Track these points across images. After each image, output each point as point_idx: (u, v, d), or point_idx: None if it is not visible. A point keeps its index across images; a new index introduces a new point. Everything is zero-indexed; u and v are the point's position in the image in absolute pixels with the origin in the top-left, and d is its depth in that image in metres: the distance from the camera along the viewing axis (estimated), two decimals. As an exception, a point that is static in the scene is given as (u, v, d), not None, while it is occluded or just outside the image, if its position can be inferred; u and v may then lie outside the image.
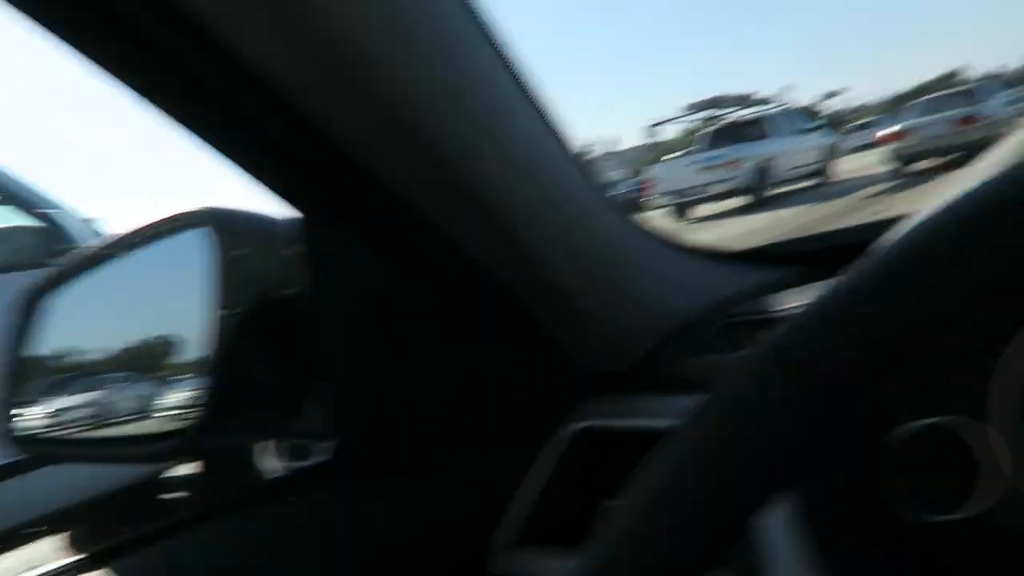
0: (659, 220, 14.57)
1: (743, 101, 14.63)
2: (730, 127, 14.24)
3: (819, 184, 14.99)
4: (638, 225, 0.83)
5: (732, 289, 0.88)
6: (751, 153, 12.96)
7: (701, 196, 13.02)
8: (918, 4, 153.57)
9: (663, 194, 13.42)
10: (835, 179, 15.11)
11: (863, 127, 31.91)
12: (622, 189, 25.50)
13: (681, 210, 13.74)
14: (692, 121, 15.26)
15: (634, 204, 24.13)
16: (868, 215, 5.95)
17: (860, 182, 13.06)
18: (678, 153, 16.46)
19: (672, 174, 13.24)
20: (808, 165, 14.62)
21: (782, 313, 0.76)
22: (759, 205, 12.94)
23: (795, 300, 0.78)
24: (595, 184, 0.75)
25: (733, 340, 0.77)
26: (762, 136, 13.62)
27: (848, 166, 16.32)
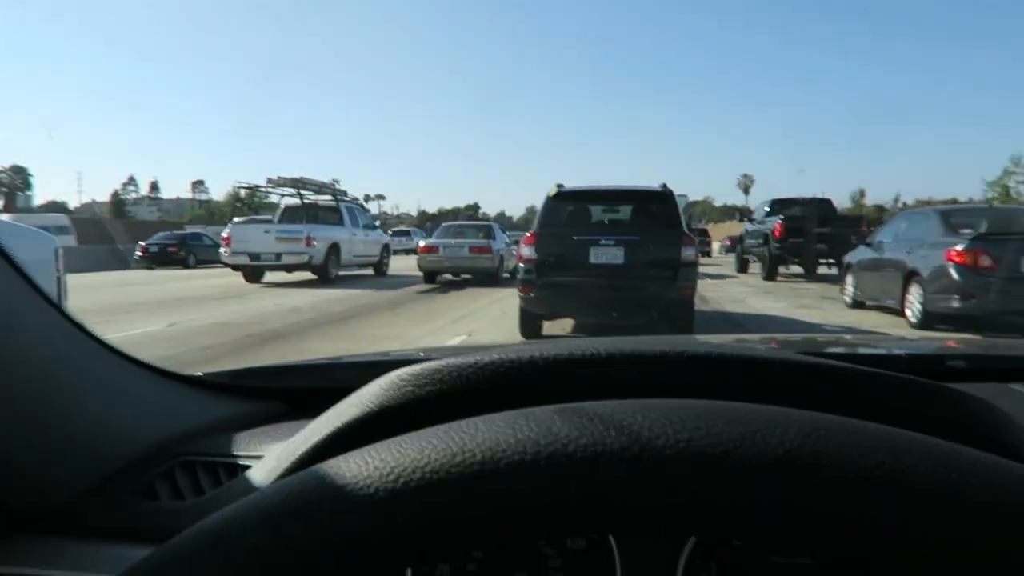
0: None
1: (323, 187, 16.20)
2: (309, 207, 15.50)
3: (378, 274, 17.36)
4: (91, 343, 0.75)
5: (194, 421, 0.83)
6: (325, 234, 14.34)
7: (274, 264, 13.88)
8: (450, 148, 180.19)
9: (236, 253, 13.91)
10: (389, 273, 17.50)
11: (401, 233, 36.48)
12: (167, 238, 25.17)
13: (253, 272, 14.28)
14: (269, 192, 16.12)
15: (169, 256, 23.63)
16: (366, 343, 7.50)
17: (407, 280, 15.38)
18: (261, 218, 17.27)
19: (250, 237, 13.85)
20: (370, 256, 16.70)
21: (239, 459, 0.74)
22: (324, 281, 14.30)
23: (253, 445, 0.76)
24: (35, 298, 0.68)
25: (183, 482, 0.72)
26: (337, 223, 15.22)
27: (396, 264, 18.98)
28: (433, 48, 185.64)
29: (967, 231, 8.68)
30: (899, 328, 8.71)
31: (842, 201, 76.59)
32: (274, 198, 17.89)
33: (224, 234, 14.24)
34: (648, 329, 7.41)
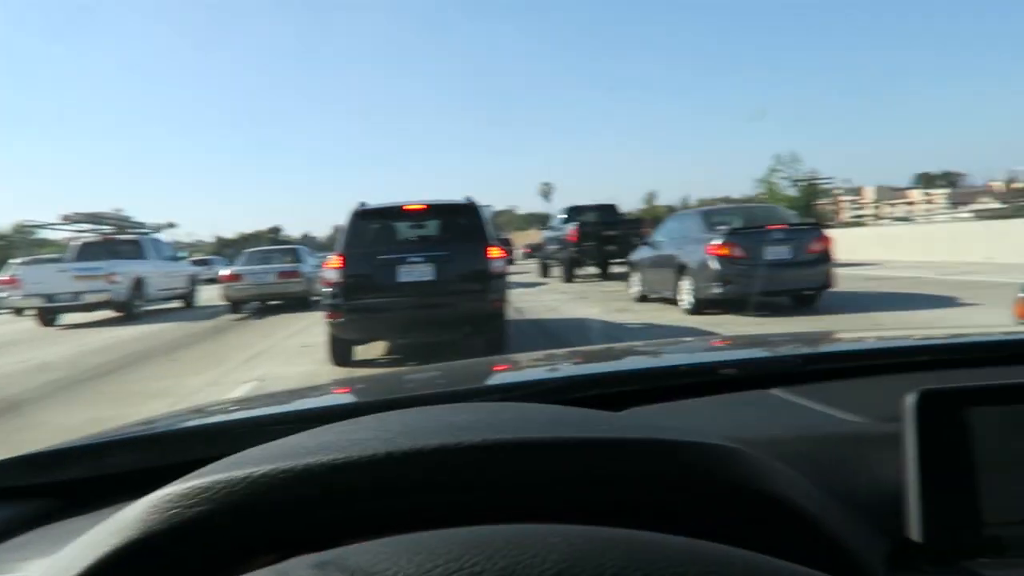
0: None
1: (121, 220, 15.51)
2: (107, 242, 14.81)
3: (187, 305, 16.95)
4: None
5: None
6: (127, 270, 13.77)
7: (73, 303, 13.11)
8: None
9: (29, 296, 12.98)
10: (196, 305, 17.02)
11: (199, 263, 35.19)
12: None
13: (49, 314, 13.40)
14: (63, 229, 15.17)
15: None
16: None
17: (212, 311, 15.13)
18: (48, 256, 16.11)
19: (43, 277, 13.02)
20: (177, 288, 16.20)
21: None
22: (129, 318, 13.72)
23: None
24: None
25: None
26: (137, 256, 14.62)
27: (204, 295, 18.43)
28: (216, 58, 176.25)
29: (723, 227, 10.23)
30: (674, 314, 10.05)
31: (635, 203, 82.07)
32: (49, 233, 16.65)
33: (6, 276, 13.29)
34: (462, 347, 7.36)
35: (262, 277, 14.32)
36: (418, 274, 6.95)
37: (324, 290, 7.11)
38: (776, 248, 9.76)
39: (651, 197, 71.08)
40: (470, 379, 1.43)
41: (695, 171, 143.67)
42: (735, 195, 67.24)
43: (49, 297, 12.98)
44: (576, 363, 1.55)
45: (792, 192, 50.40)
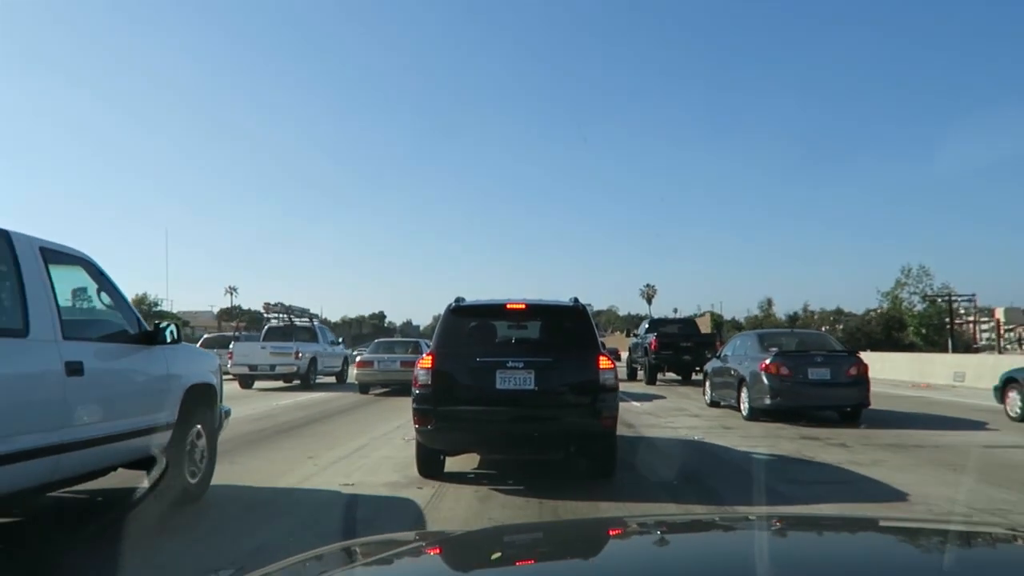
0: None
1: (303, 312, 19.96)
2: (291, 327, 19.14)
3: (339, 381, 21.01)
4: None
5: None
6: (308, 349, 17.89)
7: (268, 373, 17.27)
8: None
9: (237, 364, 17.27)
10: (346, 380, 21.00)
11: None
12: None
13: (248, 380, 17.61)
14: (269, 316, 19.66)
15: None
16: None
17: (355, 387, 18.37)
18: (248, 335, 20.96)
19: (249, 351, 17.32)
20: (335, 367, 20.23)
21: None
22: (306, 387, 17.69)
23: None
24: None
25: None
26: (313, 339, 18.79)
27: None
28: (327, 140, 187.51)
29: (774, 348, 12.79)
30: (736, 419, 12.50)
31: (751, 309, 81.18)
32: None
33: (228, 350, 17.77)
34: (565, 465, 7.10)
35: (389, 364, 17.00)
36: (518, 381, 6.30)
37: (413, 391, 6.54)
38: (818, 369, 12.18)
39: (767, 304, 70.82)
40: (580, 551, 1.37)
41: (815, 279, 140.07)
42: (858, 309, 65.98)
43: (252, 367, 17.24)
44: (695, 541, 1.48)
45: (920, 308, 49.30)
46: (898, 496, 6.19)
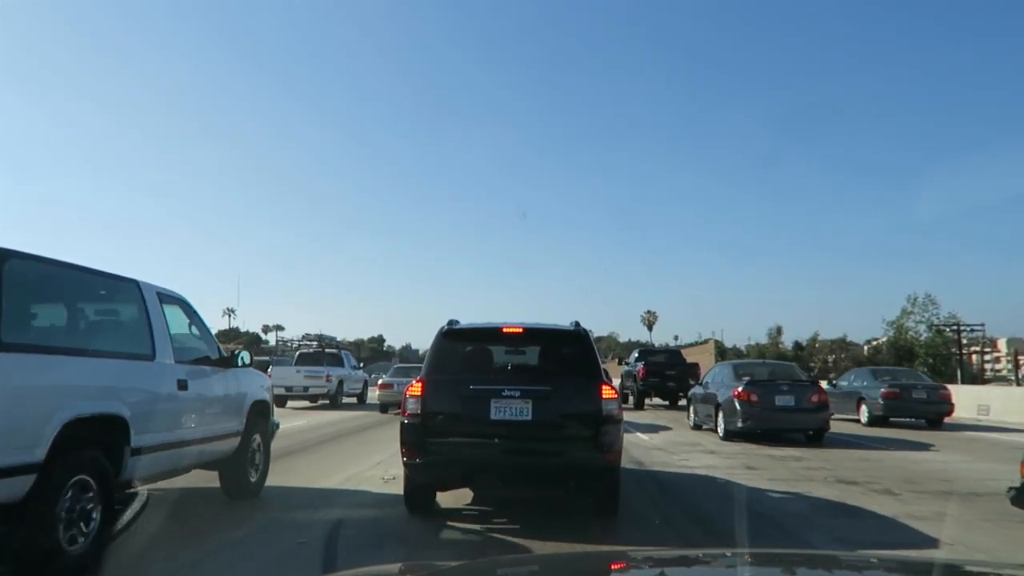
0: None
1: (331, 340, 22.41)
2: (320, 353, 21.42)
3: (360, 402, 23.26)
4: None
5: None
6: (336, 373, 20.18)
7: (302, 394, 19.51)
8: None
9: (275, 386, 19.40)
10: (366, 401, 23.05)
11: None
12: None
13: (283, 399, 19.77)
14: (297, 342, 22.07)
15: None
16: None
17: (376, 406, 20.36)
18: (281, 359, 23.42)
19: (286, 374, 19.59)
20: (357, 389, 22.53)
21: None
22: (335, 407, 19.88)
23: None
24: None
25: None
26: (340, 364, 21.08)
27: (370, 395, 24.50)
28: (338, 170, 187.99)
29: (746, 377, 14.74)
30: (713, 440, 14.33)
31: (759, 336, 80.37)
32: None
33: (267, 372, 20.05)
34: (563, 502, 6.80)
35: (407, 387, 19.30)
36: (514, 412, 5.93)
37: (402, 421, 6.20)
38: (784, 396, 14.12)
39: (776, 332, 70.27)
40: None
41: (826, 307, 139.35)
42: (863, 336, 65.03)
43: (288, 388, 19.48)
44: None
45: (926, 337, 48.47)
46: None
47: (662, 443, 13.51)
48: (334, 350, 22.60)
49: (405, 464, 6.13)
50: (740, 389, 14.16)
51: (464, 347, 6.70)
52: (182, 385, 5.92)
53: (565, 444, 6.09)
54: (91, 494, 4.63)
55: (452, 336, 6.63)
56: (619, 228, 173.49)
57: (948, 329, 50.21)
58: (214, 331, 7.62)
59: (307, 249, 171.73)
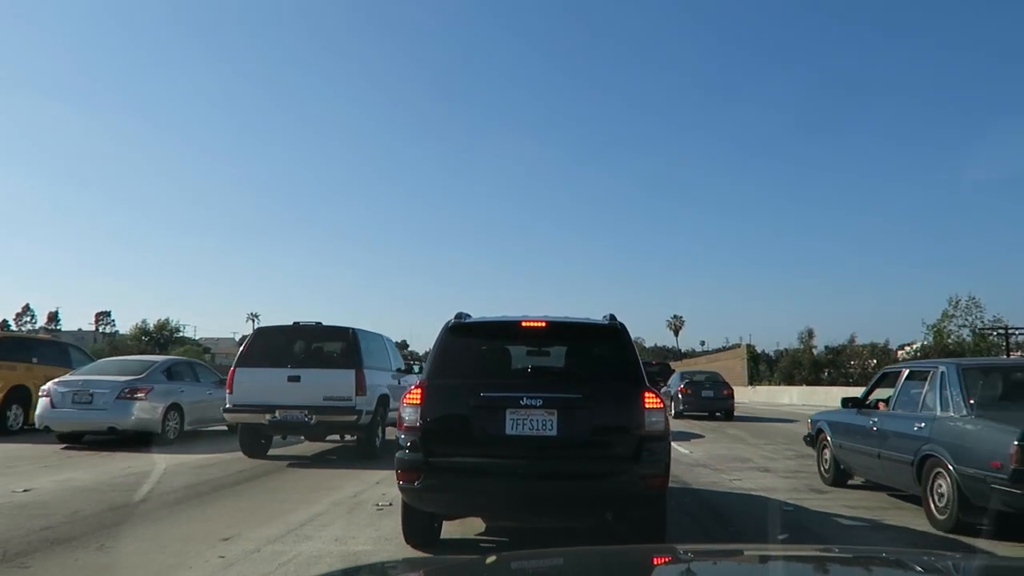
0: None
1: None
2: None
3: None
4: None
5: None
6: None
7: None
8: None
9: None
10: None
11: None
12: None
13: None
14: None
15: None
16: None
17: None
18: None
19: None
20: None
21: None
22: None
23: None
24: None
25: None
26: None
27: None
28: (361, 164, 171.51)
29: (687, 379, 24.39)
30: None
31: (790, 341, 76.72)
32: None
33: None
34: (598, 536, 5.44)
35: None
36: (535, 425, 4.90)
37: (398, 436, 5.15)
38: (707, 391, 23.80)
39: (807, 336, 68.40)
40: None
41: (862, 310, 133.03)
42: (903, 339, 58.91)
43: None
44: None
45: (968, 340, 45.52)
46: None
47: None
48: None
49: (401, 488, 5.10)
50: (682, 386, 23.85)
51: (475, 345, 5.75)
52: (394, 382, 15.19)
53: (599, 465, 4.98)
54: (380, 419, 11.83)
55: (460, 332, 5.60)
56: (645, 231, 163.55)
57: (994, 333, 46.16)
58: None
59: (329, 249, 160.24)
